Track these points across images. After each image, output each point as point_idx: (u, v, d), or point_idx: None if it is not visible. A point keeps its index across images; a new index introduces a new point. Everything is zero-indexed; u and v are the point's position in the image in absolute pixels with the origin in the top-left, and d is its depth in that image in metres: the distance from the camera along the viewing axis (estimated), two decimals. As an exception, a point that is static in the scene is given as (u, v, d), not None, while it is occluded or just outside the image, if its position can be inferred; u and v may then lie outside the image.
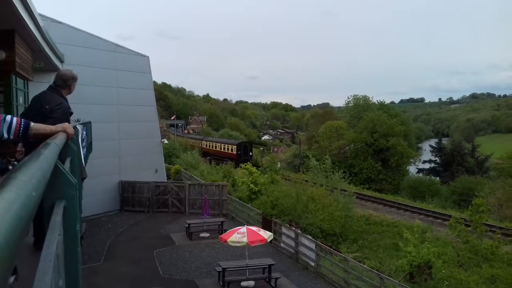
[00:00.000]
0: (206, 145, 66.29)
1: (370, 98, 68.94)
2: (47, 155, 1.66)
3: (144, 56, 27.74)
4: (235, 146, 60.67)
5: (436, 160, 65.28)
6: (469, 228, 23.87)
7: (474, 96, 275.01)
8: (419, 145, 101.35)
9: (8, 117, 2.96)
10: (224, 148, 62.76)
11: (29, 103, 7.00)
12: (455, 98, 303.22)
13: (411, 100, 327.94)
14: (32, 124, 3.09)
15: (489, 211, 25.50)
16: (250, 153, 61.36)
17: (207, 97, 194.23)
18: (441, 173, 60.01)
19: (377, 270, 15.70)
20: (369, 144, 57.40)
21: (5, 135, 2.90)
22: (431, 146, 70.87)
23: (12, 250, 0.64)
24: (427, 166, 65.70)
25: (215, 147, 64.59)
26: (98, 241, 19.37)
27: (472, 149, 62.64)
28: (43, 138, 2.70)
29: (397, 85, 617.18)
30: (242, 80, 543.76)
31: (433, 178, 53.96)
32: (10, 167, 3.43)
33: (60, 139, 2.74)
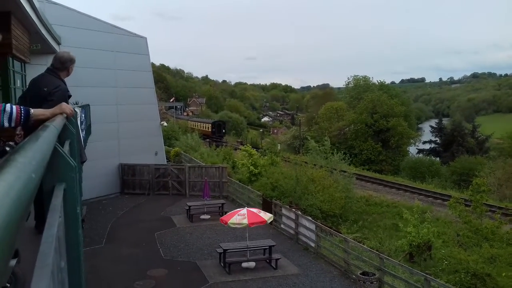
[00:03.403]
0: (191, 124, 73.44)
1: (370, 79, 68.70)
2: (46, 137, 1.64)
3: (142, 37, 27.48)
4: (210, 125, 70.21)
5: (436, 140, 65.47)
6: (469, 208, 24.01)
7: (475, 76, 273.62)
8: (420, 125, 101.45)
9: (8, 106, 2.97)
10: (202, 127, 71.06)
11: (27, 86, 6.95)
12: (456, 78, 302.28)
13: (412, 80, 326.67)
14: (32, 111, 3.08)
15: (489, 191, 25.57)
16: (223, 130, 71.04)
17: (206, 79, 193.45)
18: (441, 153, 60.19)
19: (377, 251, 15.80)
20: (369, 125, 57.38)
21: (6, 124, 2.92)
22: (431, 126, 71.05)
23: (12, 233, 0.63)
24: (427, 146, 65.91)
25: (196, 126, 72.07)
26: (99, 224, 19.50)
27: (473, 129, 62.66)
28: (43, 122, 2.70)
29: (398, 65, 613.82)
30: (241, 61, 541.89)
31: (433, 158, 54.10)
32: (7, 148, 3.42)
33: (58, 122, 2.71)
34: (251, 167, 30.66)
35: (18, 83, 11.78)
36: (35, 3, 10.53)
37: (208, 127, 69.87)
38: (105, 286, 13.05)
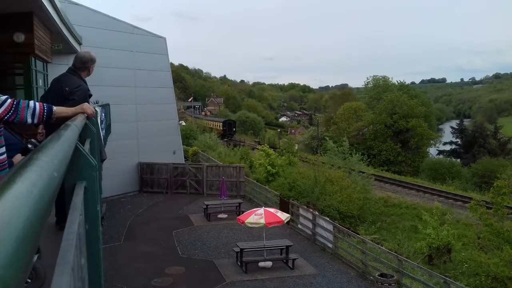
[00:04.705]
0: (205, 123, 76.49)
1: (390, 79, 67.90)
2: (68, 136, 1.67)
3: (161, 37, 27.70)
4: (221, 123, 73.78)
5: (457, 141, 64.30)
6: (490, 211, 23.56)
7: (497, 76, 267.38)
8: (440, 126, 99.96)
9: (32, 102, 3.01)
10: (214, 125, 74.17)
11: (49, 85, 7.08)
12: (477, 78, 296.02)
13: (432, 81, 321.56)
14: (54, 108, 3.13)
15: (511, 193, 25.04)
16: (234, 129, 74.40)
17: (224, 79, 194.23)
18: (462, 155, 59.12)
19: (395, 252, 15.65)
20: (389, 126, 56.74)
21: (29, 121, 2.95)
22: (452, 127, 69.78)
23: (36, 230, 0.64)
24: (447, 147, 64.78)
25: (209, 124, 75.28)
26: (118, 222, 19.73)
27: (495, 131, 61.34)
28: (65, 120, 2.73)
29: (418, 65, 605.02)
30: (259, 61, 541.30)
31: (454, 160, 53.19)
32: (30, 145, 3.46)
33: (79, 121, 2.76)
34: (269, 167, 30.59)
35: (40, 82, 12.00)
36: (57, 3, 10.71)
37: (219, 126, 73.32)
38: (123, 283, 13.20)
